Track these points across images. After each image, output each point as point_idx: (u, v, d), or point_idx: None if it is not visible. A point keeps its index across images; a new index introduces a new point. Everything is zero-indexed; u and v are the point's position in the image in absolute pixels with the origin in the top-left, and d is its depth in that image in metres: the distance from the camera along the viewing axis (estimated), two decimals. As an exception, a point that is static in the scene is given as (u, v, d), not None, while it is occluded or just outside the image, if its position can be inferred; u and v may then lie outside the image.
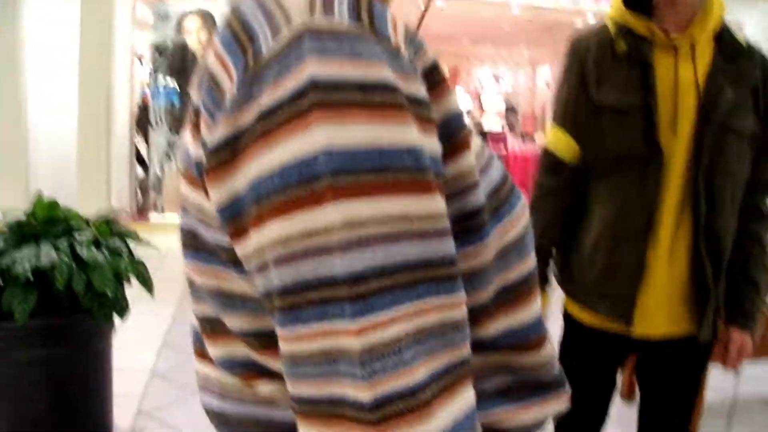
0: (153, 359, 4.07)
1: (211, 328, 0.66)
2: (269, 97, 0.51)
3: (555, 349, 0.77)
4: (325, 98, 0.50)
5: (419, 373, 0.50)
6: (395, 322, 0.50)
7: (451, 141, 0.59)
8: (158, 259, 6.25)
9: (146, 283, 2.78)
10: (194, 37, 8.40)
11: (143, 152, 9.18)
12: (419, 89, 0.55)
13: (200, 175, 0.57)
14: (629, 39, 1.64)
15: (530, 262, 0.71)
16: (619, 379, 2.13)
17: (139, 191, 8.98)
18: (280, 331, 0.53)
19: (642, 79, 1.62)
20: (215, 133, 0.54)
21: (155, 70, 8.41)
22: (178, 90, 8.41)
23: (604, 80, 1.67)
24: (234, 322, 0.62)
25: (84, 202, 7.10)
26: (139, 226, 7.48)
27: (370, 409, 0.49)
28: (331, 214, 0.49)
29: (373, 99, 0.51)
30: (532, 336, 0.71)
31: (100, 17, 7.51)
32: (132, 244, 2.92)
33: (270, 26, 0.53)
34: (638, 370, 1.92)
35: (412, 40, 0.58)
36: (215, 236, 0.59)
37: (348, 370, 0.50)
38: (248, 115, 0.52)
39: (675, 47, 1.63)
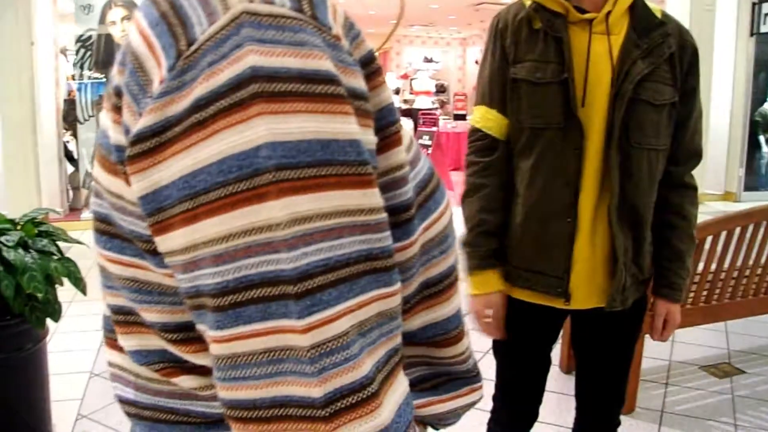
0: (91, 360, 3.98)
1: (124, 319, 0.63)
2: (204, 85, 0.49)
3: (471, 342, 0.77)
4: (266, 89, 0.48)
5: (365, 365, 0.50)
6: (341, 317, 0.50)
7: (385, 135, 0.58)
8: (91, 257, 6.12)
9: (78, 283, 2.71)
10: (119, 27, 8.19)
11: (72, 148, 8.94)
12: (358, 81, 0.54)
13: (120, 161, 0.55)
14: (544, 15, 1.67)
15: (452, 257, 0.71)
16: (557, 353, 2.17)
17: (69, 189, 8.76)
18: (214, 333, 0.51)
19: (557, 53, 1.65)
20: (140, 120, 0.51)
21: (80, 64, 8.18)
22: (105, 82, 8.19)
23: (522, 56, 1.69)
24: (151, 315, 0.60)
25: (13, 203, 6.90)
26: (71, 224, 7.31)
27: (321, 405, 0.49)
28: (276, 210, 0.48)
29: (314, 90, 0.50)
30: (451, 330, 0.72)
31: (20, 10, 7.27)
32: (63, 245, 2.84)
33: (205, 10, 0.51)
34: (574, 341, 1.96)
35: (350, 28, 0.57)
36: (133, 225, 0.57)
37: (295, 368, 0.49)
38: (179, 104, 0.49)
39: (590, 22, 1.65)
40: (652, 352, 3.94)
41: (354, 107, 0.52)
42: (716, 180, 10.12)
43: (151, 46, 0.52)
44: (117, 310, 0.64)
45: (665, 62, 1.66)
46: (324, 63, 0.51)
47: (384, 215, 0.54)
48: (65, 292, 2.78)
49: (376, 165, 0.56)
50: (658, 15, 1.70)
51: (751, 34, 10.04)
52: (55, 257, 2.69)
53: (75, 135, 8.60)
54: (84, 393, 3.54)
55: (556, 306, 1.77)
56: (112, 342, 0.68)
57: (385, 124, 0.58)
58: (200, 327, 0.54)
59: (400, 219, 0.61)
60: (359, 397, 0.50)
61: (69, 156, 8.86)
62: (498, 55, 1.74)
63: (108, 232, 0.61)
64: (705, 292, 3.41)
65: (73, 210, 8.57)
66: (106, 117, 0.58)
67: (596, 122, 1.65)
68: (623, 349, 1.89)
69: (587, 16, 1.65)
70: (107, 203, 0.59)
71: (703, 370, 3.83)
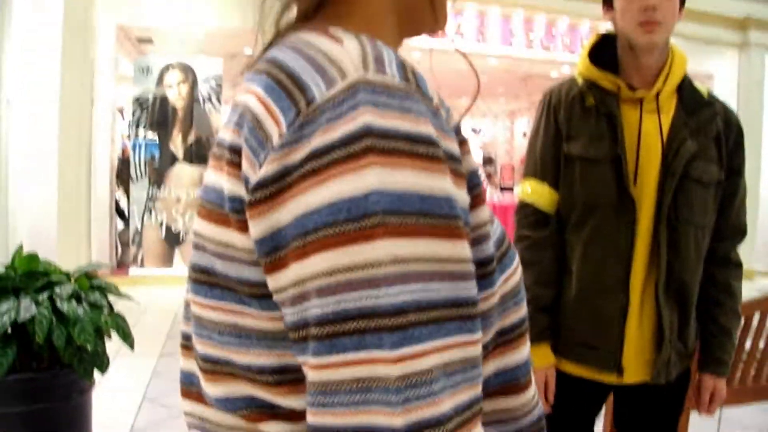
0: (133, 414, 4.01)
1: (212, 367, 0.67)
2: (321, 138, 0.55)
3: (537, 392, 0.79)
4: (378, 144, 0.54)
5: (445, 405, 0.54)
6: (428, 355, 0.54)
7: (473, 194, 0.64)
8: (138, 312, 6.21)
9: (126, 337, 2.76)
10: (175, 90, 8.46)
11: (123, 205, 9.16)
12: (454, 146, 0.60)
13: (234, 210, 0.60)
14: (596, 93, 1.71)
15: (523, 309, 0.76)
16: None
17: (119, 244, 8.94)
18: (313, 360, 0.55)
19: (610, 130, 1.68)
20: (261, 170, 0.57)
21: (136, 124, 8.45)
22: (158, 143, 8.43)
23: (575, 132, 1.73)
24: (247, 358, 0.64)
25: (64, 256, 7.05)
26: (119, 279, 7.45)
27: None
28: (380, 250, 0.53)
29: (418, 150, 0.56)
30: (521, 377, 0.75)
31: (81, 71, 7.56)
32: (112, 298, 2.91)
33: (323, 78, 0.58)
34: (616, 417, 1.94)
35: (443, 102, 0.65)
36: (239, 271, 0.62)
37: (381, 398, 0.52)
38: (298, 154, 0.56)
39: (640, 100, 1.69)
40: (699, 430, 3.84)
41: (450, 168, 0.58)
42: (765, 256, 9.95)
43: (268, 108, 0.59)
44: (206, 359, 0.68)
45: (712, 141, 1.69)
46: (427, 128, 0.57)
47: (472, 267, 0.58)
48: (111, 345, 2.84)
49: (469, 221, 0.61)
50: (705, 94, 1.73)
51: (802, 109, 9.99)
52: (106, 311, 2.75)
53: (127, 192, 8.83)
54: (124, 447, 3.56)
55: (604, 380, 1.77)
56: (192, 393, 0.73)
57: (472, 185, 0.64)
58: (301, 359, 0.58)
59: (486, 271, 0.66)
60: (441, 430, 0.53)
61: (120, 213, 9.08)
62: (551, 130, 1.77)
63: (209, 282, 0.66)
64: (753, 371, 3.33)
65: (121, 265, 8.74)
66: (216, 173, 0.64)
67: (647, 199, 1.68)
68: (667, 422, 1.87)
69: (638, 94, 1.69)
70: (210, 254, 0.65)
71: (752, 451, 3.71)
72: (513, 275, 0.73)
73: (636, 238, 1.68)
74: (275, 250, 0.57)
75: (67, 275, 2.86)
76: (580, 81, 1.75)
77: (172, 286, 7.81)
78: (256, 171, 0.58)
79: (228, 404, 0.67)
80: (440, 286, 0.55)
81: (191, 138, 8.46)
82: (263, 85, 0.62)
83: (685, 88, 1.72)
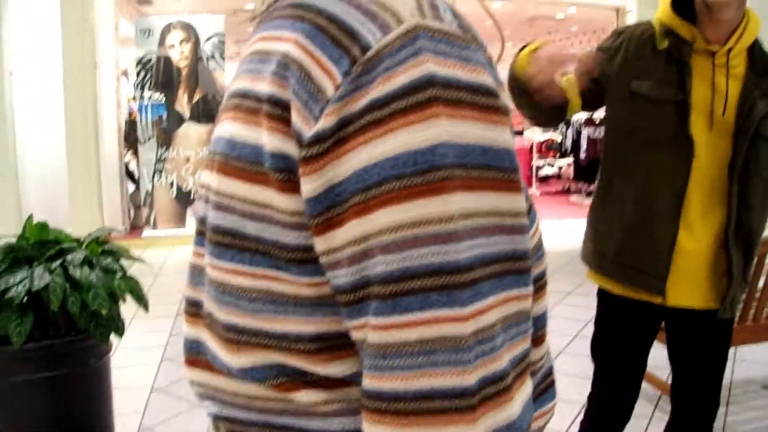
0: (153, 375, 4.08)
1: (237, 337, 0.64)
2: (381, 87, 0.53)
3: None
4: (442, 94, 0.52)
5: (505, 358, 0.54)
6: (491, 309, 0.54)
7: None
8: (152, 274, 6.27)
9: (141, 300, 2.79)
10: (177, 49, 8.41)
11: (133, 168, 9.18)
12: (506, 97, 0.59)
13: (277, 168, 0.57)
14: (671, 39, 1.80)
15: (544, 263, 0.75)
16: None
17: (131, 207, 8.99)
18: (374, 320, 0.53)
19: (678, 77, 1.78)
20: (318, 123, 0.54)
21: (141, 86, 8.41)
22: (165, 103, 8.41)
23: (643, 72, 1.82)
24: (282, 326, 0.61)
25: (76, 222, 7.11)
26: (133, 242, 7.50)
27: (472, 392, 0.52)
28: (449, 204, 0.52)
29: (479, 101, 0.55)
30: (541, 329, 0.75)
31: (82, 36, 7.52)
32: (125, 262, 2.93)
33: (374, 23, 0.55)
34: (669, 345, 2.07)
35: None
36: (277, 234, 0.59)
37: (450, 358, 0.51)
38: (356, 105, 0.53)
39: (713, 54, 1.78)
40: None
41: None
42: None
43: (314, 57, 0.56)
44: (231, 327, 0.64)
45: None
46: (486, 78, 0.56)
47: (526, 220, 0.58)
48: (127, 308, 2.87)
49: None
50: None
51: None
52: (119, 275, 2.77)
53: (136, 155, 8.84)
54: (145, 407, 3.63)
55: (654, 301, 1.90)
56: (197, 362, 0.71)
57: None
58: (355, 322, 0.56)
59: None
60: (498, 387, 0.53)
61: (130, 175, 9.10)
62: (618, 58, 1.86)
63: (236, 245, 0.62)
64: (766, 309, 3.34)
65: (134, 228, 8.79)
66: (248, 127, 0.60)
67: (711, 148, 1.79)
68: (718, 352, 2.00)
69: (713, 47, 1.77)
70: (237, 215, 0.61)
71: (766, 389, 3.75)
72: (536, 231, 0.72)
73: (692, 177, 1.79)
74: (330, 208, 0.55)
75: (79, 242, 2.88)
76: (656, 25, 1.84)
77: (186, 246, 7.86)
78: (310, 125, 0.55)
79: (255, 374, 0.64)
80: (500, 240, 0.55)
81: (197, 97, 8.43)
82: (302, 31, 0.58)
83: (756, 51, 1.81)
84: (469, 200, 0.53)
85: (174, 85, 8.41)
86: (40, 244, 2.76)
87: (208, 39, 8.47)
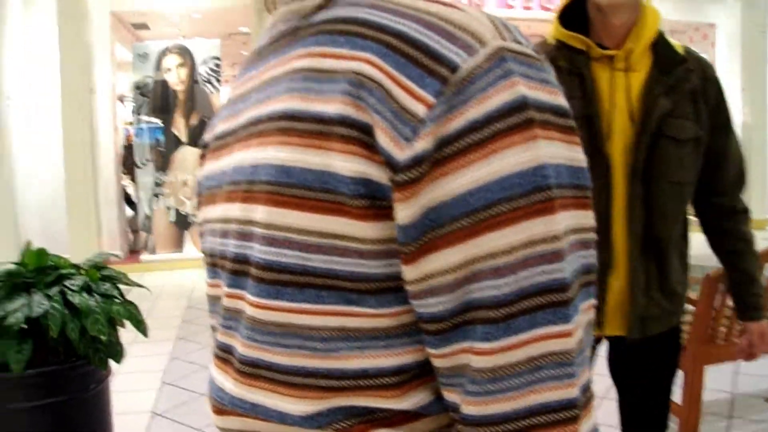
0: (153, 399, 4.05)
1: (302, 381, 0.60)
2: (478, 108, 0.52)
3: None
4: (536, 116, 0.53)
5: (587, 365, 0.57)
6: (581, 321, 0.56)
7: None
8: (152, 298, 6.25)
9: (139, 325, 2.78)
10: (174, 73, 8.44)
11: (131, 192, 9.19)
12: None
13: (358, 195, 0.55)
14: (566, 54, 1.71)
15: None
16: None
17: (129, 232, 8.98)
18: (483, 345, 0.53)
19: (580, 90, 1.69)
20: (415, 145, 0.53)
21: (138, 110, 8.44)
22: (162, 127, 8.43)
23: None
24: (360, 362, 0.58)
25: (75, 247, 7.11)
26: (131, 267, 7.49)
27: (578, 402, 0.53)
28: (555, 223, 0.53)
29: (561, 122, 0.56)
30: None
31: (80, 61, 7.55)
32: (124, 287, 2.92)
33: (457, 45, 0.54)
34: (611, 368, 1.98)
35: None
36: (353, 266, 0.56)
37: (556, 373, 0.53)
38: (452, 125, 0.52)
39: (611, 59, 1.69)
40: (715, 384, 3.86)
41: None
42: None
43: (390, 76, 0.54)
44: (296, 372, 0.60)
45: (688, 98, 1.69)
46: (562, 99, 0.57)
47: (594, 234, 0.60)
48: (126, 333, 2.86)
49: None
50: (680, 51, 1.73)
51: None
52: (117, 300, 2.77)
53: (133, 179, 8.85)
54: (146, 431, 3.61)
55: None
56: (226, 410, 0.67)
57: None
58: (450, 348, 0.55)
59: None
60: (589, 393, 0.56)
61: (128, 200, 9.11)
62: None
63: (295, 283, 0.58)
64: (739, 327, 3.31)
65: (133, 252, 8.78)
66: (310, 152, 0.57)
67: (621, 157, 1.69)
68: (659, 378, 1.90)
69: (609, 52, 1.68)
70: (297, 249, 0.57)
71: (768, 401, 3.73)
72: None
73: (613, 195, 1.69)
74: (426, 233, 0.53)
75: (77, 267, 2.88)
76: (551, 42, 1.75)
77: (184, 270, 7.85)
78: (402, 147, 0.53)
79: (320, 420, 0.60)
80: (583, 254, 0.56)
81: (194, 120, 8.45)
82: (371, 50, 0.56)
83: (660, 46, 1.71)
84: (567, 218, 0.54)
85: (171, 109, 8.44)
86: (38, 270, 2.75)
87: (204, 62, 8.51)
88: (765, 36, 9.81)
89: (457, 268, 0.53)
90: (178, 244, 8.49)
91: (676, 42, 1.76)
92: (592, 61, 1.70)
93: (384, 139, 0.53)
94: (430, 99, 0.52)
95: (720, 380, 3.94)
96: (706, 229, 1.87)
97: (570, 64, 1.70)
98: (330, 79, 0.57)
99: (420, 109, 0.53)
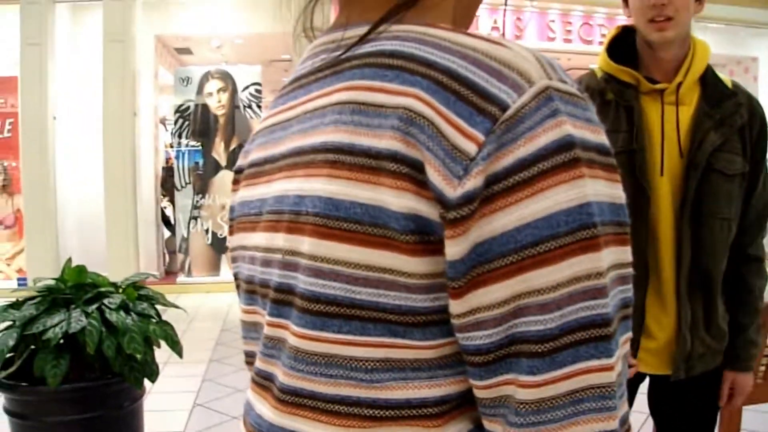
0: (184, 421, 4.07)
1: (347, 409, 0.60)
2: (526, 147, 0.53)
3: None
4: (582, 155, 0.54)
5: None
6: (620, 354, 0.57)
7: None
8: (187, 320, 6.30)
9: (175, 345, 2.80)
10: (215, 98, 8.57)
11: (169, 214, 9.30)
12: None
13: (409, 231, 0.56)
14: (615, 87, 1.70)
15: None
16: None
17: (166, 253, 9.08)
18: (528, 378, 0.54)
19: (628, 123, 1.67)
20: (466, 183, 0.53)
21: (178, 133, 8.57)
22: (201, 151, 8.54)
23: None
24: (403, 393, 0.59)
25: (113, 266, 7.20)
26: (167, 288, 7.56)
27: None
28: (599, 261, 0.54)
29: (604, 161, 0.57)
30: None
31: (124, 84, 7.70)
32: (160, 307, 2.95)
33: (504, 83, 0.55)
34: (651, 407, 1.93)
35: None
36: (400, 299, 0.57)
37: (597, 405, 0.54)
38: (501, 163, 0.53)
39: (661, 93, 1.67)
40: (750, 425, 3.76)
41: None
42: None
43: (440, 113, 0.55)
44: (340, 401, 0.61)
45: (737, 133, 1.66)
46: (604, 138, 0.58)
47: (631, 269, 0.60)
48: (161, 353, 2.88)
49: None
50: (729, 85, 1.70)
51: None
52: (154, 320, 2.80)
53: (172, 201, 8.96)
54: (177, 453, 3.62)
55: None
56: None
57: None
58: (493, 380, 0.56)
59: None
60: (627, 425, 0.57)
61: (166, 221, 9.22)
62: None
63: (342, 315, 0.59)
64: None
65: (169, 273, 8.87)
66: (361, 186, 0.57)
67: (668, 192, 1.66)
68: (700, 418, 1.85)
69: (658, 86, 1.67)
70: (344, 281, 0.58)
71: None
72: None
73: (656, 231, 1.67)
74: (473, 268, 0.54)
75: (116, 286, 2.92)
76: (599, 74, 1.73)
77: (220, 294, 7.90)
78: (453, 185, 0.54)
79: None
80: (619, 290, 0.57)
81: (233, 145, 8.56)
82: (420, 86, 0.57)
83: (708, 80, 1.69)
84: (610, 255, 0.55)
85: (211, 133, 8.56)
86: (77, 287, 2.80)
87: (245, 88, 8.63)
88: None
89: (503, 303, 0.54)
90: (215, 267, 8.55)
91: (725, 76, 1.74)
92: (642, 95, 1.69)
93: (435, 176, 0.54)
94: (481, 137, 0.53)
95: (756, 421, 3.84)
96: None
97: (619, 97, 1.69)
98: (379, 113, 0.58)
99: (471, 148, 0.53)
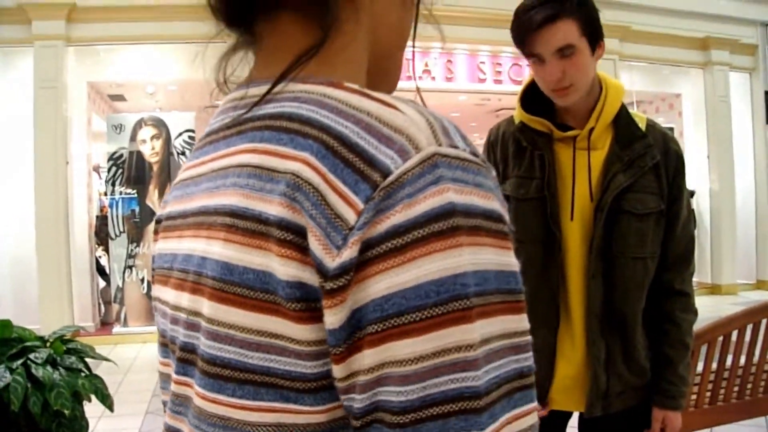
0: (120, 476, 3.95)
1: None
2: (402, 214, 0.52)
3: None
4: (463, 223, 0.53)
5: None
6: (503, 429, 0.53)
7: None
8: (122, 371, 6.14)
9: (105, 400, 2.74)
10: (149, 145, 8.48)
11: (104, 263, 9.11)
12: (508, 217, 0.59)
13: (293, 298, 0.55)
14: (528, 135, 1.76)
15: None
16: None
17: (101, 303, 8.87)
18: None
19: (540, 170, 1.72)
20: (343, 253, 0.53)
21: (112, 180, 8.44)
22: (136, 199, 8.42)
23: (509, 172, 1.79)
24: None
25: (46, 317, 7.00)
26: (103, 339, 7.38)
27: None
28: (469, 333, 0.52)
29: (492, 227, 0.55)
30: None
31: (55, 131, 7.57)
32: (95, 360, 2.88)
33: (393, 149, 0.54)
34: None
35: None
36: (290, 365, 0.57)
37: None
38: (376, 229, 0.52)
39: (573, 139, 1.73)
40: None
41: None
42: (748, 269, 9.99)
43: (327, 180, 0.55)
44: None
45: (650, 172, 1.71)
46: (496, 204, 0.56)
47: (530, 337, 0.58)
48: (94, 408, 2.81)
49: None
50: (642, 126, 1.75)
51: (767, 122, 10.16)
52: (83, 374, 2.73)
53: (107, 250, 8.78)
54: None
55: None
56: None
57: None
58: None
59: None
60: None
61: (101, 271, 9.02)
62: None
63: (235, 379, 0.59)
64: (738, 387, 3.32)
65: (105, 324, 8.65)
66: (251, 252, 0.58)
67: (579, 236, 1.71)
68: None
69: (571, 133, 1.72)
70: (237, 345, 0.59)
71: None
72: None
73: (567, 274, 1.71)
74: (351, 335, 0.53)
75: (43, 340, 2.84)
76: (517, 121, 1.79)
77: (156, 343, 7.73)
78: (332, 254, 0.53)
79: None
80: (510, 360, 0.55)
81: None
82: (310, 150, 0.57)
83: (621, 122, 1.74)
84: (486, 326, 0.53)
85: (145, 181, 8.44)
86: (2, 342, 2.72)
87: (179, 135, 8.56)
88: (727, 104, 10.07)
89: (370, 370, 0.53)
90: (151, 317, 8.37)
91: (641, 114, 1.79)
92: (555, 142, 1.74)
93: (316, 245, 0.54)
94: (360, 205, 0.53)
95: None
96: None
97: (533, 146, 1.74)
98: (271, 178, 0.58)
99: (351, 216, 0.53)
